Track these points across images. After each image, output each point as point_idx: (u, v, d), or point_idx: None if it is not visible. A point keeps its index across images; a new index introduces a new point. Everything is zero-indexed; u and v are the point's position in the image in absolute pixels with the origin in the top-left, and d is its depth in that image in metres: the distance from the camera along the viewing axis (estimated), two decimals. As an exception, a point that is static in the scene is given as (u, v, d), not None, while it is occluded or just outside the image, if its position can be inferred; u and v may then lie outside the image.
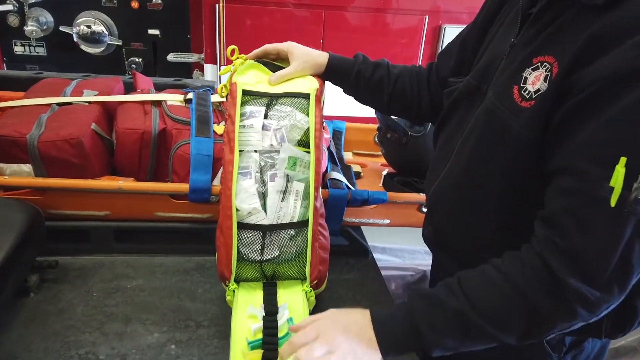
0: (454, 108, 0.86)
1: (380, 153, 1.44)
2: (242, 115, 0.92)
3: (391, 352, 0.68)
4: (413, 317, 0.67)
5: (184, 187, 1.08)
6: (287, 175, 0.87)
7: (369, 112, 1.21)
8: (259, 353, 0.70)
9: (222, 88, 0.97)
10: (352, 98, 1.05)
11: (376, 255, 1.31)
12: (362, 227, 1.27)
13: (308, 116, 0.92)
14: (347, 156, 1.49)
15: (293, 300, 0.84)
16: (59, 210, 1.09)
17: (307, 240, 0.87)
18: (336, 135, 1.48)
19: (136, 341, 0.89)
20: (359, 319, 0.69)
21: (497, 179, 0.71)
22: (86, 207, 1.11)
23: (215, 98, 1.27)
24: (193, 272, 1.10)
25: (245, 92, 0.92)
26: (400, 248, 1.82)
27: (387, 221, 1.22)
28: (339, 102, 1.33)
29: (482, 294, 0.65)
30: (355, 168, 1.38)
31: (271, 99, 0.93)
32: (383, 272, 1.23)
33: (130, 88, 1.43)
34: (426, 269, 1.63)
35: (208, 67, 2.21)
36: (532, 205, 0.67)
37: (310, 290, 0.87)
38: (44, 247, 1.03)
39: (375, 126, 1.44)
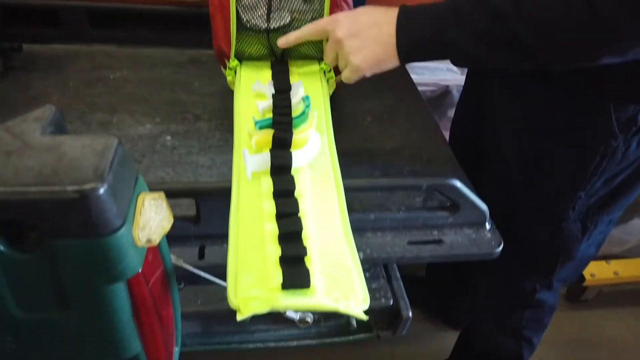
0: None
1: None
2: None
3: (408, 49, 0.62)
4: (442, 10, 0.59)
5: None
6: None
7: None
8: (268, 133, 0.56)
9: None
10: None
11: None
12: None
13: None
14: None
15: (309, 78, 0.68)
16: (16, -16, 0.88)
17: (324, 3, 0.68)
18: None
19: (125, 131, 0.76)
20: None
21: None
22: (50, -17, 0.89)
23: None
24: (187, 65, 0.93)
25: None
26: (420, 65, 1.63)
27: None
28: None
29: None
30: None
31: None
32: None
33: None
34: (449, 84, 1.46)
35: None
36: None
37: (330, 70, 0.70)
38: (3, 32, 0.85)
39: None
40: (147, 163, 0.71)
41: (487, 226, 0.65)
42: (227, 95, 0.76)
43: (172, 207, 0.60)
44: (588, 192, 0.78)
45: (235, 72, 0.71)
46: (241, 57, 0.72)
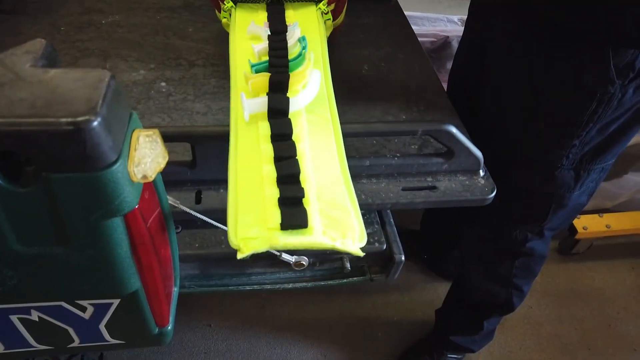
0: None
1: None
2: None
3: None
4: None
5: None
6: None
7: None
8: (265, 77, 0.56)
9: None
10: None
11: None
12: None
13: None
14: None
15: (306, 19, 0.67)
16: None
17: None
18: None
19: (118, 77, 0.73)
20: None
21: None
22: None
23: None
24: (180, 10, 0.91)
25: None
26: (420, 16, 1.59)
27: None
28: None
29: None
30: None
31: None
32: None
33: None
34: (449, 34, 1.43)
35: None
36: None
37: (327, 12, 0.69)
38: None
39: None
40: (142, 109, 0.70)
41: (481, 173, 0.66)
42: (222, 42, 0.75)
43: (168, 153, 0.61)
44: (582, 139, 0.78)
45: (230, 14, 0.69)
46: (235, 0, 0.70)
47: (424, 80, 0.82)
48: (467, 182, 0.65)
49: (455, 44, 1.44)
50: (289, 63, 0.59)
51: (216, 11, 0.74)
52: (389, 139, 0.67)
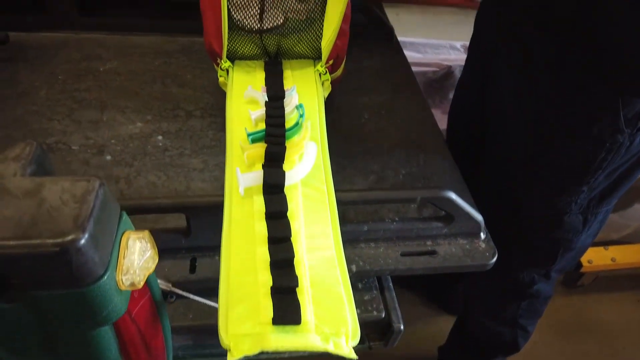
0: None
1: None
2: None
3: None
4: None
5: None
6: None
7: None
8: (261, 148, 0.55)
9: None
10: None
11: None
12: (385, 7, 1.03)
13: None
14: None
15: (304, 82, 0.66)
16: (-3, -31, 0.84)
17: (321, 4, 0.64)
18: None
19: (115, 130, 0.74)
20: None
21: None
22: (33, -33, 0.85)
23: None
24: (178, 54, 0.90)
25: None
26: (422, 42, 1.59)
27: (418, -5, 0.97)
28: None
29: None
30: None
31: None
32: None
33: None
34: (452, 64, 1.42)
35: None
36: None
37: (326, 72, 0.68)
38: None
39: None
40: (138, 166, 0.70)
41: (482, 236, 0.65)
42: (220, 90, 0.74)
43: (162, 220, 0.60)
44: (591, 185, 0.77)
45: (228, 73, 0.68)
46: (234, 57, 0.70)
47: (423, 129, 0.81)
48: (467, 247, 0.64)
49: (457, 74, 1.43)
50: (286, 132, 0.58)
51: (214, 65, 0.73)
52: (388, 202, 0.66)
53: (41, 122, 0.74)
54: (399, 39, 1.64)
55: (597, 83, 0.65)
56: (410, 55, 1.56)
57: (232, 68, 0.68)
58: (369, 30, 0.97)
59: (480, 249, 0.64)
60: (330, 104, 0.76)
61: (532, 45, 0.70)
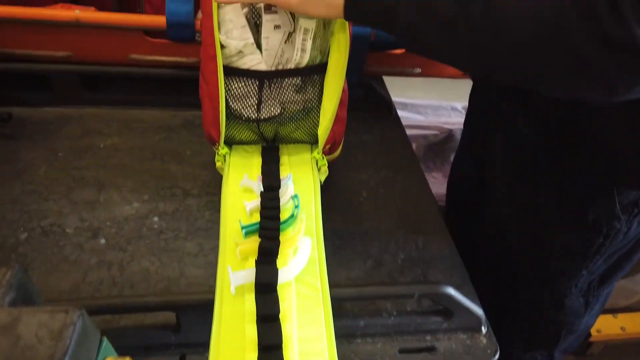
0: None
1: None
2: None
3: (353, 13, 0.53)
4: None
5: (158, 20, 0.83)
6: None
7: None
8: (254, 243, 0.54)
9: None
10: None
11: (395, 112, 1.10)
12: (383, 78, 1.04)
13: None
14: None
15: (300, 170, 0.66)
16: (6, 48, 0.86)
17: (318, 94, 0.65)
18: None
19: (111, 212, 0.74)
20: None
21: None
22: (41, 46, 0.87)
23: None
24: (179, 129, 0.91)
25: None
26: (423, 104, 1.60)
27: (417, 70, 0.98)
28: None
29: None
30: None
31: None
32: (403, 132, 1.03)
33: None
34: (452, 127, 1.43)
35: None
36: None
37: (323, 158, 0.68)
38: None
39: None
40: (132, 251, 0.69)
41: (483, 330, 0.63)
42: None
43: (151, 316, 0.58)
44: (590, 269, 0.76)
45: (225, 158, 0.68)
46: (231, 142, 0.70)
47: (422, 209, 0.80)
48: (468, 342, 0.61)
49: (458, 136, 1.44)
50: (281, 225, 0.57)
51: (213, 147, 0.74)
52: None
53: (38, 202, 0.74)
54: (399, 99, 1.66)
55: (590, 173, 0.65)
56: (411, 116, 1.57)
57: (230, 154, 0.68)
58: (368, 102, 0.98)
59: (481, 345, 0.61)
60: (328, 180, 0.76)
61: (522, 132, 0.71)
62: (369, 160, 0.89)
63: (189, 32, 0.84)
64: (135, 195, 0.77)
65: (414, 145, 1.45)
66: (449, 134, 1.42)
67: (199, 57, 0.85)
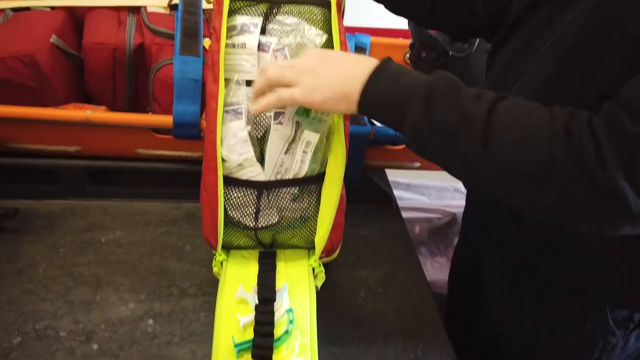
0: (529, 14, 0.61)
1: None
2: (231, 29, 0.67)
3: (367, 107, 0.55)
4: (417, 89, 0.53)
5: (166, 119, 0.87)
6: (297, 122, 0.64)
7: (401, 23, 0.95)
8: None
9: (207, -12, 0.72)
10: (379, 5, 0.79)
11: (398, 193, 1.12)
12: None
13: (321, 30, 0.68)
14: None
15: (296, 278, 0.65)
16: (17, 144, 0.90)
17: (315, 203, 0.66)
18: (358, 52, 1.21)
19: (106, 314, 0.73)
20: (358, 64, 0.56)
21: (591, 95, 0.49)
22: (51, 142, 0.91)
23: (208, 5, 1.01)
24: (181, 222, 0.92)
25: (236, -4, 0.67)
26: (427, 185, 1.62)
27: (417, 164, 1.00)
28: (362, 9, 1.08)
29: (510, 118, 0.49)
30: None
31: (271, 7, 0.68)
32: (406, 214, 1.04)
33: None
34: (456, 211, 1.43)
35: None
36: None
37: (320, 265, 0.68)
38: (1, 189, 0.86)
39: (408, 42, 1.17)
40: (124, 358, 0.68)
41: None
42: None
43: None
44: None
45: (222, 264, 0.69)
46: (229, 247, 0.71)
47: (422, 311, 0.79)
48: None
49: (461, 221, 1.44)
50: (274, 342, 0.56)
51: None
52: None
53: (34, 303, 0.74)
54: (402, 180, 1.67)
55: (581, 291, 0.65)
56: (414, 197, 1.59)
57: (227, 260, 0.69)
58: (367, 195, 0.99)
59: None
60: (326, 277, 0.75)
61: (517, 240, 0.71)
62: (368, 255, 0.88)
63: (194, 131, 0.87)
64: (132, 294, 0.77)
65: (417, 229, 1.45)
66: (452, 218, 1.42)
67: (203, 152, 0.88)
